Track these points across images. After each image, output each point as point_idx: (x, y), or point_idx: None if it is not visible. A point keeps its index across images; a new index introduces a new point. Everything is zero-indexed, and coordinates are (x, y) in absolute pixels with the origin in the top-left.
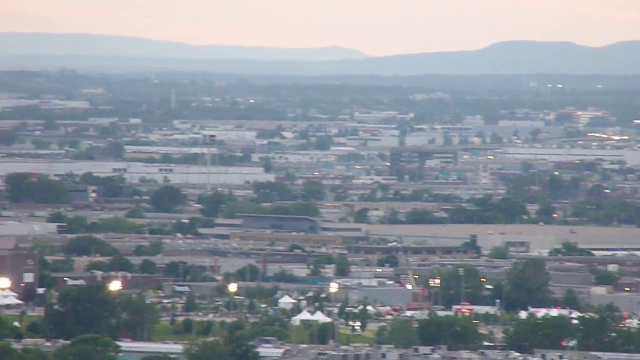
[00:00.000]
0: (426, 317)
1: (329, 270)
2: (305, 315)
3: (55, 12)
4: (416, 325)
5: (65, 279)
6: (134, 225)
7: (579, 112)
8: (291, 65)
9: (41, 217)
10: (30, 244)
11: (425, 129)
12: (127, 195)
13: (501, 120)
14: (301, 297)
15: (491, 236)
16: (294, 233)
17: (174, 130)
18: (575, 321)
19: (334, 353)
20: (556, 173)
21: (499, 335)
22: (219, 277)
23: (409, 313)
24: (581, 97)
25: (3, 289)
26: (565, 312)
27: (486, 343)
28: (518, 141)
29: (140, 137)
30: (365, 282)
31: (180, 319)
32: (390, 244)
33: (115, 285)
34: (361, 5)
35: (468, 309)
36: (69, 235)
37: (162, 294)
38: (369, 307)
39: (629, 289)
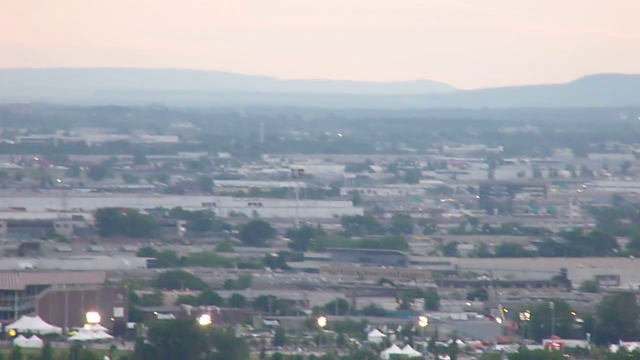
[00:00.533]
0: (516, 351)
1: (419, 304)
2: (394, 349)
3: (145, 47)
4: None
5: (155, 313)
6: (224, 259)
7: None
8: (380, 98)
9: (131, 251)
10: (120, 279)
11: (514, 162)
12: (216, 229)
13: (591, 153)
14: (390, 331)
15: (581, 270)
16: (383, 267)
17: (263, 164)
18: None
19: None
20: None
21: None
22: (308, 311)
23: (499, 347)
24: None
25: (93, 324)
26: None
27: None
28: (608, 174)
29: (229, 172)
30: (454, 316)
31: (270, 353)
32: (479, 278)
33: (204, 320)
34: (450, 39)
35: (558, 343)
36: (159, 270)
37: (252, 328)
38: (458, 341)
39: None
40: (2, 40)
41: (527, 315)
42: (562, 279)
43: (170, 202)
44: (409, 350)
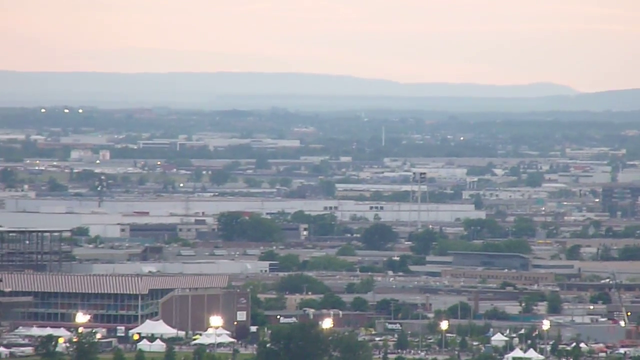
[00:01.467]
0: None
1: (541, 307)
2: (517, 353)
3: (267, 51)
4: None
5: (277, 317)
6: (346, 263)
7: None
8: (501, 102)
9: (253, 255)
10: (242, 282)
11: (637, 165)
12: (338, 233)
13: None
14: (513, 335)
15: None
16: (506, 270)
17: (385, 168)
18: None
19: None
20: None
21: None
22: (431, 315)
23: (622, 350)
24: None
25: (217, 328)
26: None
27: None
28: None
29: (351, 175)
30: (578, 319)
31: (392, 356)
32: (603, 281)
33: (327, 323)
34: (572, 42)
35: None
36: (281, 274)
37: (374, 332)
38: (581, 345)
39: None
40: (124, 45)
41: None
42: None
43: (292, 206)
44: (532, 354)
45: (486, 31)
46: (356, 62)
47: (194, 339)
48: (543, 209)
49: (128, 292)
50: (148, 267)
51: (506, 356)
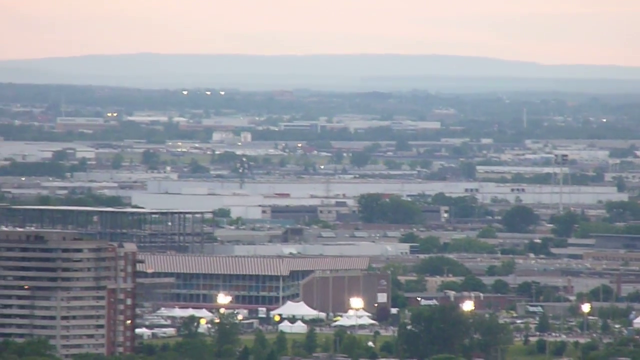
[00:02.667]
0: None
1: None
2: None
3: (408, 33)
4: None
5: (418, 299)
6: (486, 245)
7: None
8: None
9: (394, 237)
10: (383, 264)
11: None
12: (479, 215)
13: None
14: None
15: None
16: None
17: (526, 150)
18: None
19: None
20: None
21: None
22: (572, 298)
23: None
24: None
25: (357, 309)
26: None
27: None
28: None
29: (492, 157)
30: None
31: (534, 339)
32: None
33: (468, 306)
34: None
35: None
36: (422, 256)
37: (515, 314)
38: None
39: None
40: (266, 28)
41: None
42: None
43: (432, 188)
44: None
45: (627, 12)
46: (497, 44)
47: (335, 321)
48: None
49: (269, 274)
50: (289, 249)
51: None
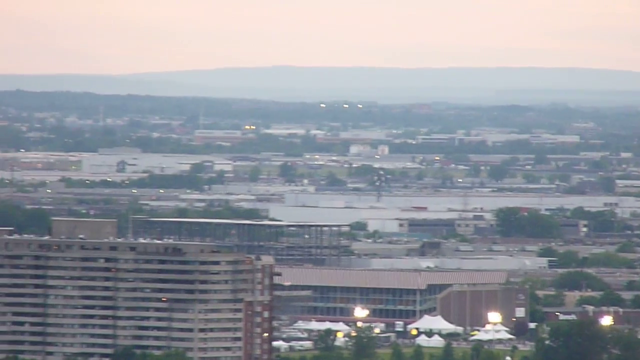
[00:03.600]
0: None
1: None
2: None
3: (545, 46)
4: None
5: (556, 313)
6: (626, 260)
7: None
8: None
9: (532, 251)
10: (521, 279)
11: None
12: (618, 229)
13: None
14: None
15: None
16: None
17: None
18: None
19: None
20: None
21: None
22: None
23: None
24: None
25: (495, 324)
26: None
27: None
28: None
29: (632, 172)
30: None
31: None
32: None
33: (606, 321)
34: None
35: None
36: (560, 270)
37: None
38: None
39: None
40: (404, 41)
41: None
42: None
43: (571, 202)
44: None
45: None
46: (637, 57)
47: (472, 335)
48: None
49: (406, 287)
50: (426, 263)
51: None
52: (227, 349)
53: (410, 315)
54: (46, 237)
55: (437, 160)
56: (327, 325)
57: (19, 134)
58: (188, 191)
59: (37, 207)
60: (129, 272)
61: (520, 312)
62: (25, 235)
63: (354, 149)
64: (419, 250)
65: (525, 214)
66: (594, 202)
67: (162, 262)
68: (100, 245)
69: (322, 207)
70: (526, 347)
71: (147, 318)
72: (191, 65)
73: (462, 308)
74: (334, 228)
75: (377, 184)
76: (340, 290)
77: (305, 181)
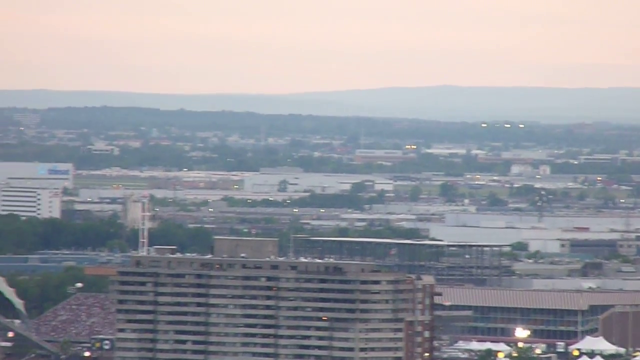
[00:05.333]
0: None
1: None
2: None
3: None
4: None
5: None
6: None
7: None
8: None
9: None
10: None
11: None
12: None
13: None
14: None
15: None
16: None
17: None
18: None
19: None
20: None
21: None
22: None
23: None
24: None
25: None
26: None
27: None
28: None
29: None
30: None
31: None
32: None
33: None
34: None
35: None
36: None
37: None
38: None
39: None
40: (565, 61)
41: None
42: None
43: None
44: None
45: None
46: None
47: (634, 356)
48: None
49: (568, 308)
50: (588, 283)
51: None
52: None
53: (571, 336)
54: (208, 256)
55: (599, 180)
56: (487, 345)
57: (182, 153)
58: (349, 210)
59: (199, 225)
60: (290, 290)
61: None
62: (188, 254)
63: (515, 169)
64: (581, 271)
65: None
66: None
67: (323, 281)
68: (262, 264)
69: (483, 227)
70: None
71: (308, 337)
72: (353, 85)
73: (624, 329)
74: (495, 248)
75: (539, 204)
76: (501, 311)
77: (466, 201)
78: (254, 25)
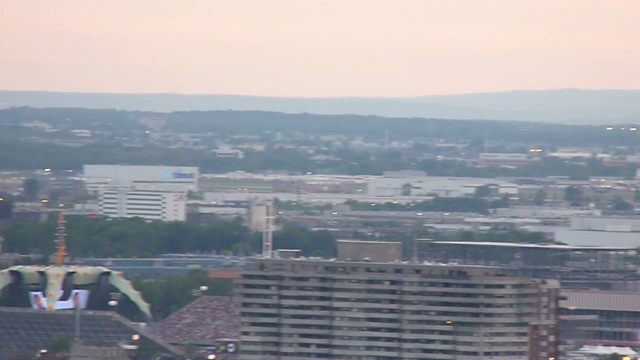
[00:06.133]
0: None
1: None
2: None
3: None
4: None
5: None
6: None
7: None
8: None
9: None
10: None
11: None
12: None
13: None
14: None
15: None
16: None
17: None
18: None
19: None
20: None
21: None
22: None
23: None
24: None
25: None
26: None
27: None
28: None
29: None
30: None
31: None
32: None
33: None
34: None
35: None
36: None
37: None
38: None
39: None
40: None
41: None
42: None
43: None
44: None
45: None
46: None
47: None
48: None
49: None
50: None
51: None
52: None
53: None
54: (332, 259)
55: None
56: (613, 350)
57: (305, 157)
58: (473, 214)
59: (323, 229)
60: (413, 294)
61: None
62: (312, 257)
63: None
64: None
65: None
66: None
67: (447, 285)
68: (386, 268)
69: (608, 230)
70: None
71: (432, 341)
72: (476, 88)
73: None
74: (621, 252)
75: None
76: (626, 315)
77: (592, 205)
78: (374, 28)
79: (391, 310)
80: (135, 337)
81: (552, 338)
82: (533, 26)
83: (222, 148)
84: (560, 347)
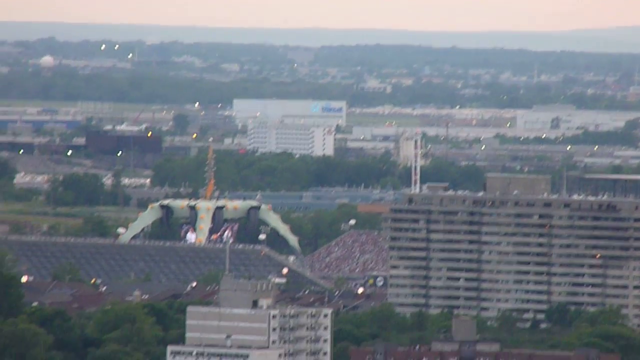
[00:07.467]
0: None
1: None
2: None
3: None
4: None
5: None
6: None
7: None
8: None
9: None
10: None
11: None
12: None
13: None
14: None
15: None
16: None
17: None
18: None
19: None
20: None
21: None
22: None
23: None
24: None
25: None
26: None
27: None
28: None
29: None
30: None
31: None
32: None
33: None
34: None
35: None
36: None
37: None
38: None
39: None
40: None
41: None
42: None
43: None
44: None
45: None
46: None
47: None
48: None
49: None
50: None
51: None
52: None
53: None
54: (480, 194)
55: None
56: None
57: (454, 91)
58: (623, 148)
59: (471, 163)
60: (563, 228)
61: None
62: (460, 192)
63: None
64: None
65: None
66: None
67: (597, 219)
68: (534, 202)
69: None
70: None
71: (582, 275)
72: (627, 22)
73: None
74: None
75: None
76: None
77: None
78: None
79: (540, 244)
80: (285, 270)
81: None
82: None
83: (370, 82)
84: None
